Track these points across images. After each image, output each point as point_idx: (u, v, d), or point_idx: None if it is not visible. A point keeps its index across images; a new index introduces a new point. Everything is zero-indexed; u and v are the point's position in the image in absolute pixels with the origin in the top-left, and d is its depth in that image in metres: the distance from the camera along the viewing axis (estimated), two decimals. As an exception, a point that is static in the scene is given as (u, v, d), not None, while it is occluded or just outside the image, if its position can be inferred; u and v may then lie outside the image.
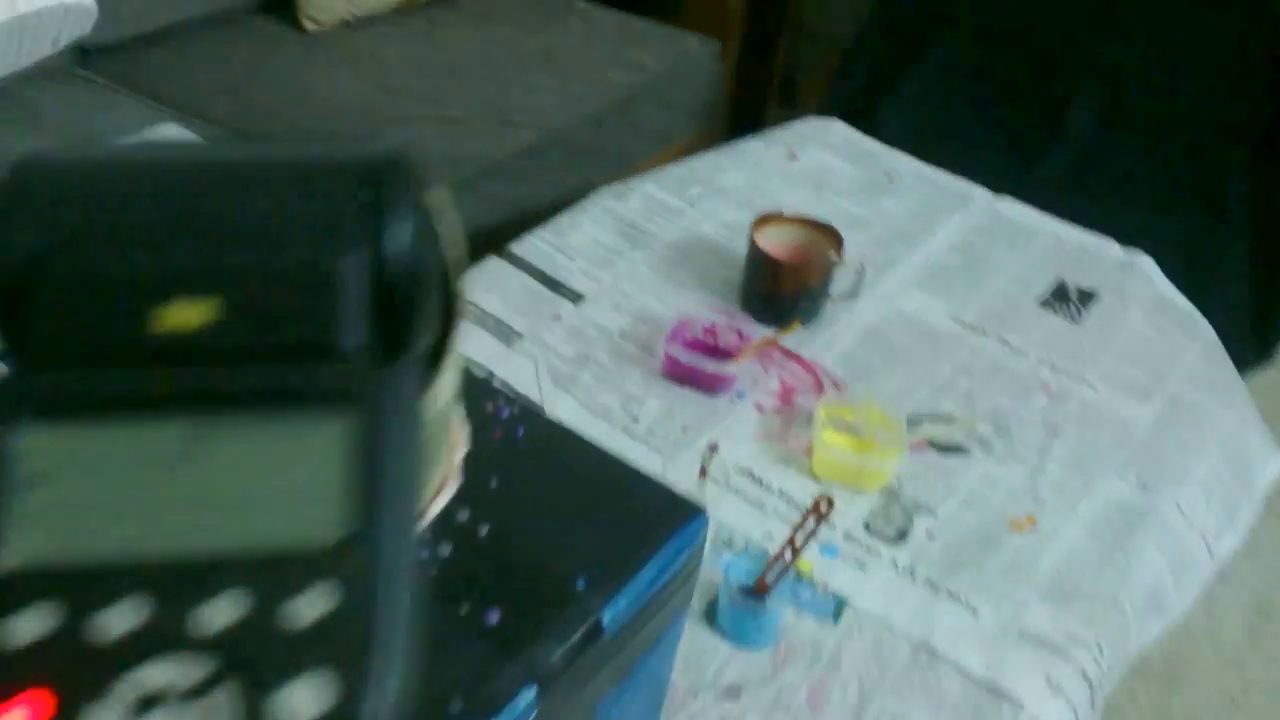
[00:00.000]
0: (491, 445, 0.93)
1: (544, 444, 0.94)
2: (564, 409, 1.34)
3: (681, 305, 1.50)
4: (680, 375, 1.39)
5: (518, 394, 1.32)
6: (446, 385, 0.56)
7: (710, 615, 1.13)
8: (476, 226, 1.88)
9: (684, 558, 0.77)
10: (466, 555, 0.72)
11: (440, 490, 0.67)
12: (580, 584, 0.71)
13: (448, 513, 0.73)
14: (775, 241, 1.51)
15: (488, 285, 1.50)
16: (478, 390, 0.96)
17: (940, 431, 1.37)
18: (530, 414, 0.95)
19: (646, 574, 0.73)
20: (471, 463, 0.75)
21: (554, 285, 1.52)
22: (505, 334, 1.43)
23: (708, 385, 1.38)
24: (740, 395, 1.39)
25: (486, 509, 0.75)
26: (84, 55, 2.16)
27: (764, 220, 1.52)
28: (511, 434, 0.97)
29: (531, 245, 1.58)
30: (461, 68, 2.26)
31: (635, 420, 1.34)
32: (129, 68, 2.15)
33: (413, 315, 0.44)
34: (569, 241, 1.61)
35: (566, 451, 0.88)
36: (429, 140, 1.97)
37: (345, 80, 2.18)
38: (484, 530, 0.74)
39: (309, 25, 2.33)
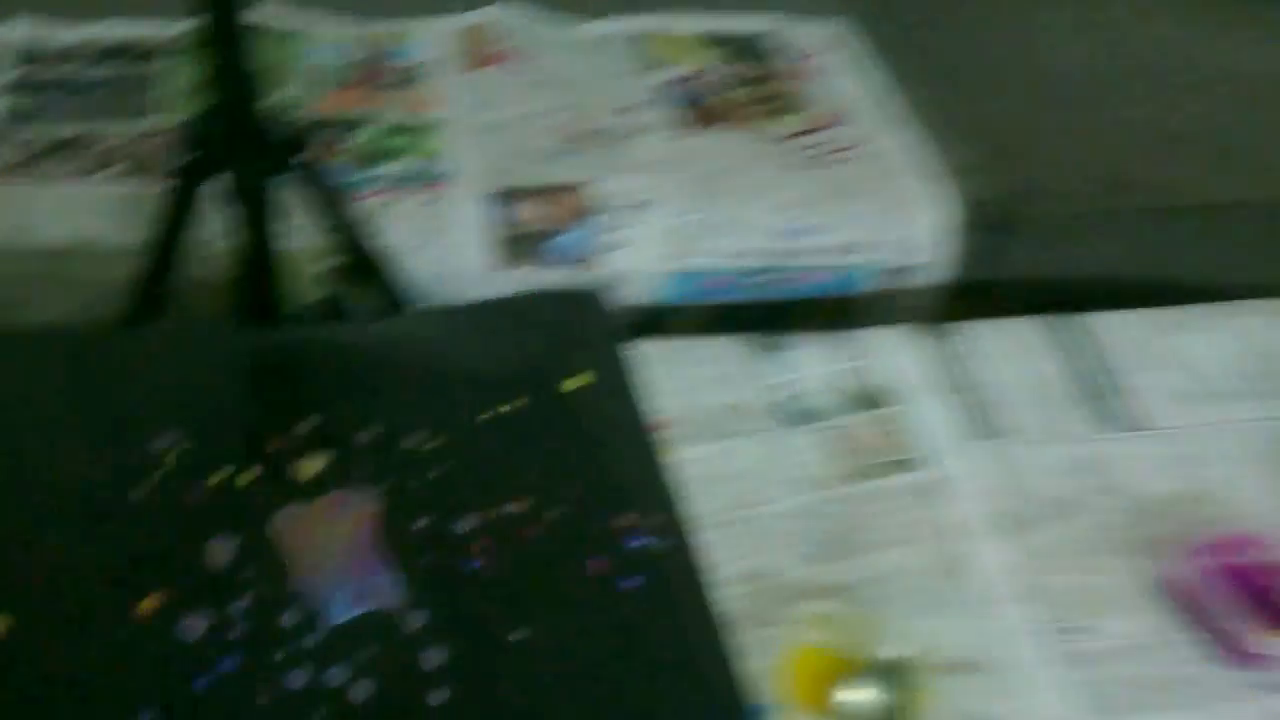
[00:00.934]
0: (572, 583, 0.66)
1: (658, 608, 0.71)
2: (991, 558, 0.93)
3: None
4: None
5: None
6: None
7: None
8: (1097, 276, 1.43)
9: None
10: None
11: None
12: None
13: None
14: None
15: (1005, 346, 1.10)
16: (608, 497, 0.70)
17: None
18: (665, 562, 0.68)
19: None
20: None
21: (1095, 391, 1.07)
22: (979, 420, 1.03)
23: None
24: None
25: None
26: None
27: None
28: (613, 580, 0.67)
29: (1110, 324, 1.13)
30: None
31: (1076, 631, 0.90)
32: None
33: None
34: None
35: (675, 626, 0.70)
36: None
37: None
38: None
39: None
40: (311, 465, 0.70)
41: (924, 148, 1.39)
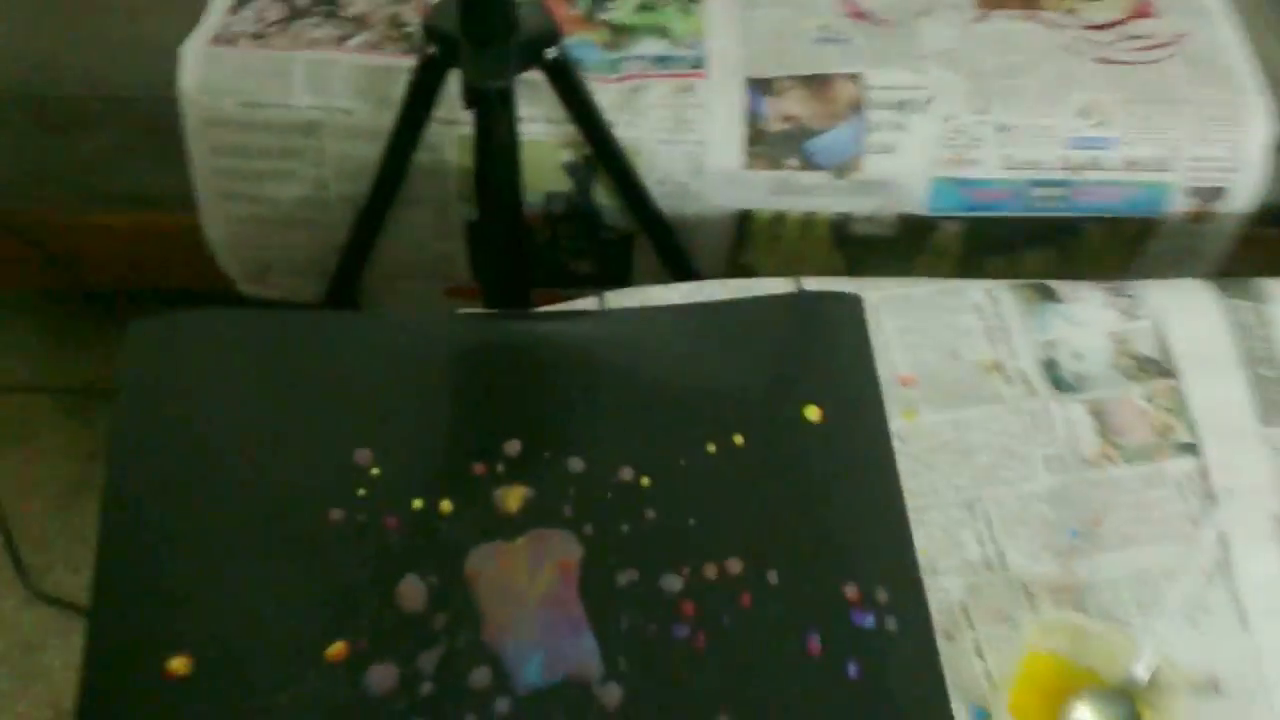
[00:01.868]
0: (787, 664, 0.59)
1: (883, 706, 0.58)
2: (1258, 565, 0.82)
3: None
4: None
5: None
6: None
7: None
8: None
9: None
10: None
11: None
12: None
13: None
14: None
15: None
16: (838, 560, 0.61)
17: None
18: (895, 648, 0.59)
19: None
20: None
21: None
22: (1272, 400, 0.90)
23: None
24: None
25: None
26: None
27: None
28: (837, 663, 0.60)
29: None
30: None
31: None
32: None
33: None
34: None
35: None
36: None
37: None
38: None
39: None
40: (515, 496, 0.65)
41: (1251, 48, 1.21)
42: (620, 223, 1.20)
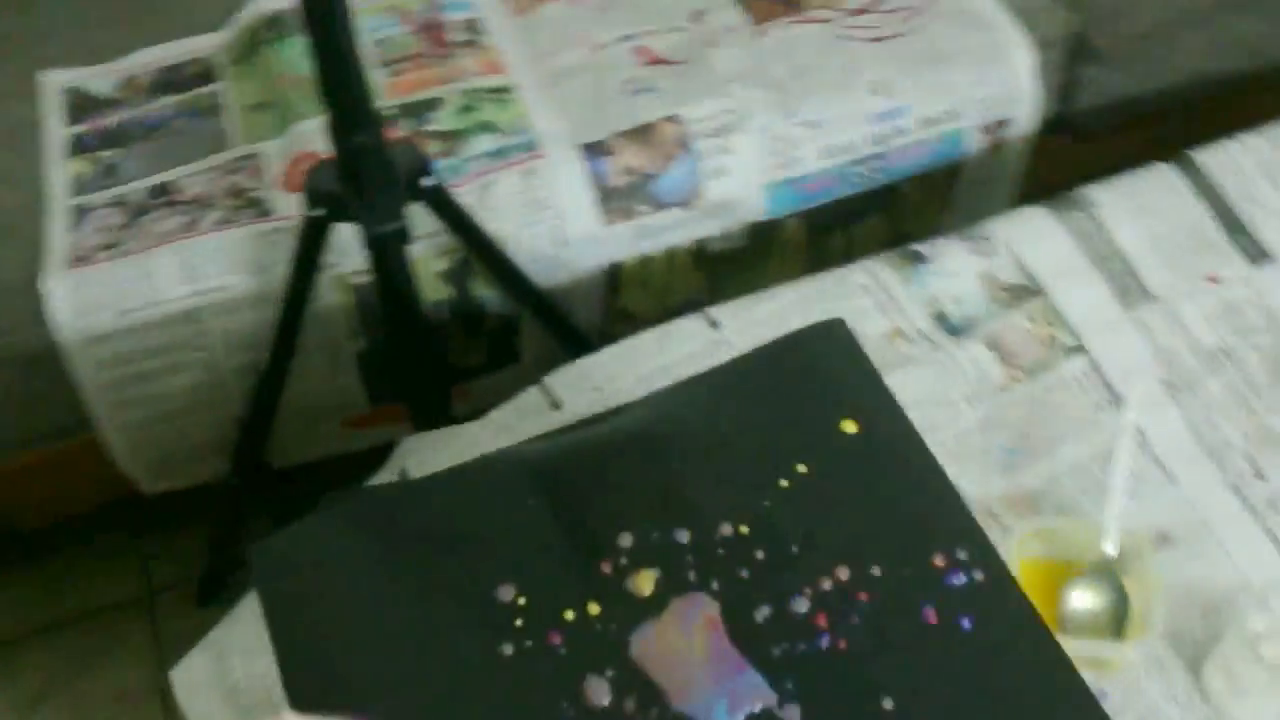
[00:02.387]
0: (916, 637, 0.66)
1: (998, 655, 0.66)
2: (1164, 427, 0.96)
3: None
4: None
5: (1113, 398, 0.96)
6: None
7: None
8: (1191, 76, 1.41)
9: None
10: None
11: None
12: None
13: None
14: None
15: (1137, 202, 1.09)
16: (919, 538, 0.69)
17: None
18: (989, 593, 0.67)
19: None
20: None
21: (1233, 227, 1.08)
22: (1128, 287, 1.04)
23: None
24: None
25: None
26: None
27: None
28: (952, 622, 0.68)
29: (1228, 156, 1.13)
30: None
31: (1261, 478, 0.93)
32: None
33: None
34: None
35: (1028, 681, 0.69)
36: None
37: None
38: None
39: None
40: (646, 580, 0.72)
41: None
42: (502, 309, 1.27)
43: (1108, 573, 0.87)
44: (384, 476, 1.01)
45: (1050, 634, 0.71)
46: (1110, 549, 0.87)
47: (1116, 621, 0.85)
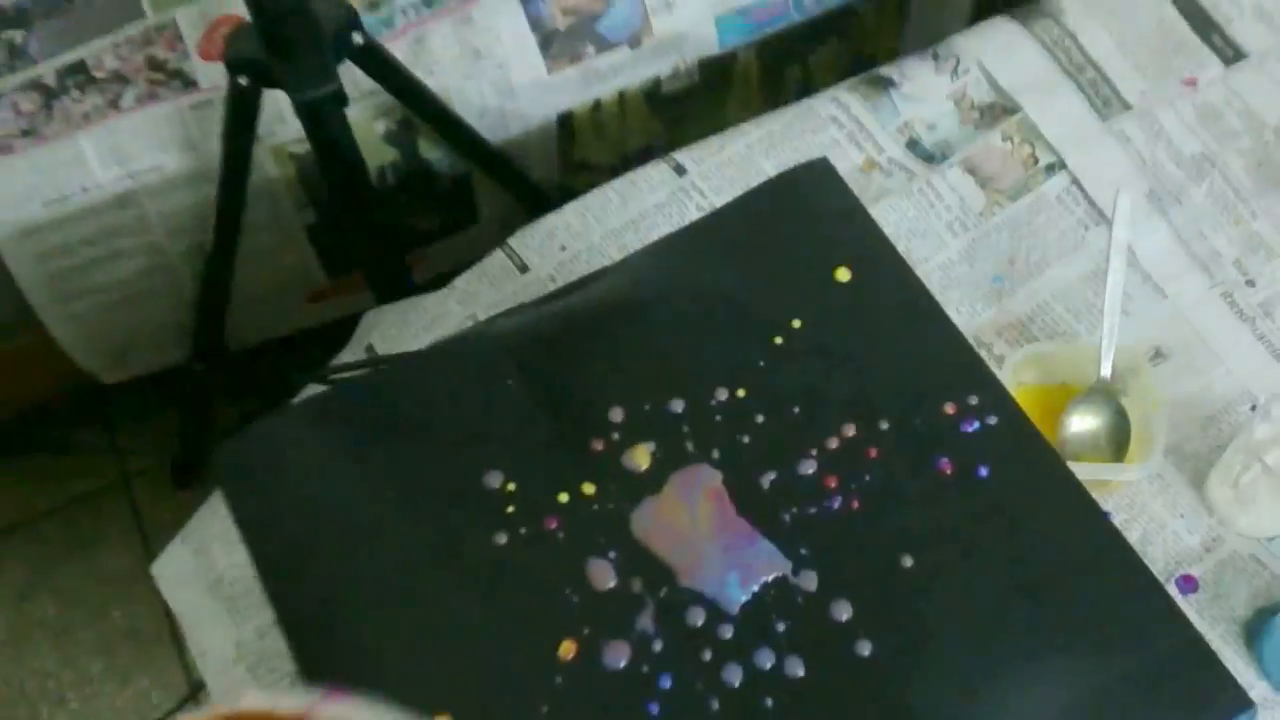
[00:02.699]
0: (931, 490, 0.63)
1: (1018, 499, 0.64)
2: (1151, 240, 0.93)
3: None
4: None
5: (1100, 217, 0.93)
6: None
7: (1250, 638, 0.78)
8: None
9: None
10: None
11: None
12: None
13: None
14: None
15: (1105, 5, 1.05)
16: (925, 388, 0.65)
17: None
18: (1005, 438, 0.64)
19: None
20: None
21: (1205, 28, 1.04)
22: (1104, 98, 1.00)
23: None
24: None
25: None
26: None
27: None
28: (968, 471, 0.65)
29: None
30: None
31: (1251, 284, 0.91)
32: None
33: None
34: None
35: (1052, 523, 0.66)
36: None
37: None
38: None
39: None
40: (641, 454, 0.68)
41: None
42: (453, 169, 1.21)
43: (1105, 393, 0.85)
44: (349, 353, 0.97)
45: (1071, 474, 0.68)
46: (1105, 370, 0.85)
47: (1117, 442, 0.84)
